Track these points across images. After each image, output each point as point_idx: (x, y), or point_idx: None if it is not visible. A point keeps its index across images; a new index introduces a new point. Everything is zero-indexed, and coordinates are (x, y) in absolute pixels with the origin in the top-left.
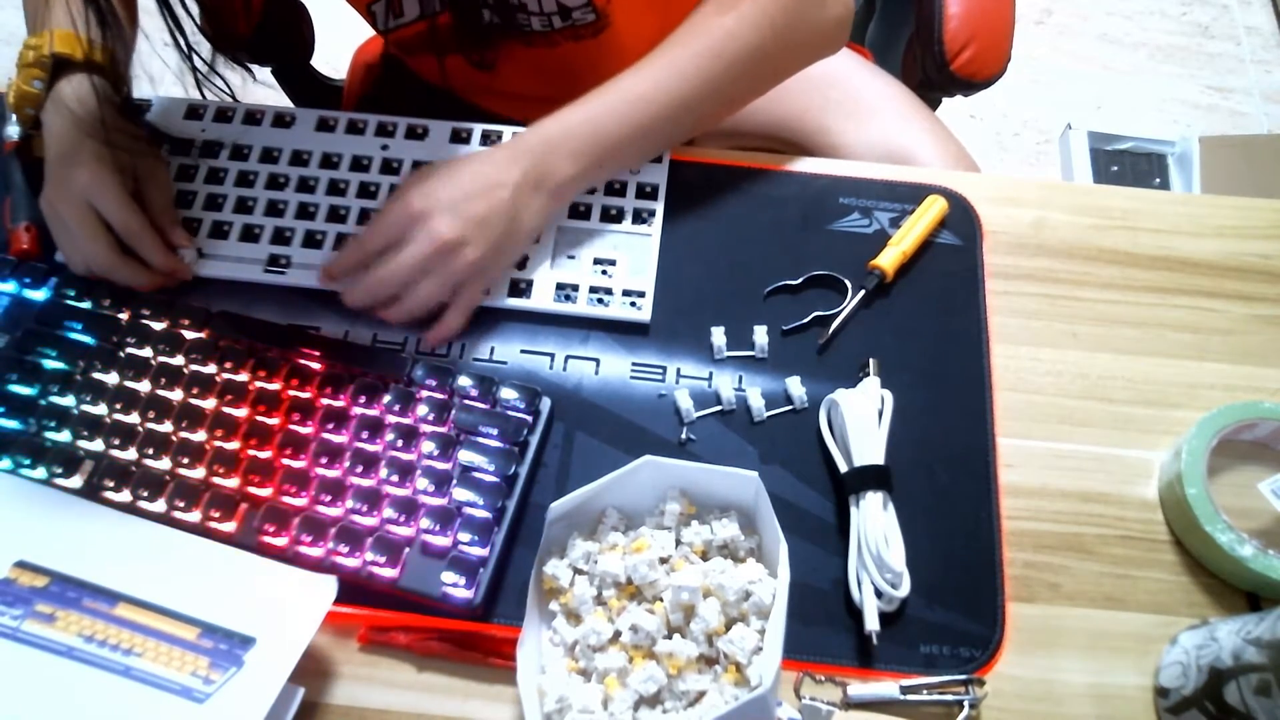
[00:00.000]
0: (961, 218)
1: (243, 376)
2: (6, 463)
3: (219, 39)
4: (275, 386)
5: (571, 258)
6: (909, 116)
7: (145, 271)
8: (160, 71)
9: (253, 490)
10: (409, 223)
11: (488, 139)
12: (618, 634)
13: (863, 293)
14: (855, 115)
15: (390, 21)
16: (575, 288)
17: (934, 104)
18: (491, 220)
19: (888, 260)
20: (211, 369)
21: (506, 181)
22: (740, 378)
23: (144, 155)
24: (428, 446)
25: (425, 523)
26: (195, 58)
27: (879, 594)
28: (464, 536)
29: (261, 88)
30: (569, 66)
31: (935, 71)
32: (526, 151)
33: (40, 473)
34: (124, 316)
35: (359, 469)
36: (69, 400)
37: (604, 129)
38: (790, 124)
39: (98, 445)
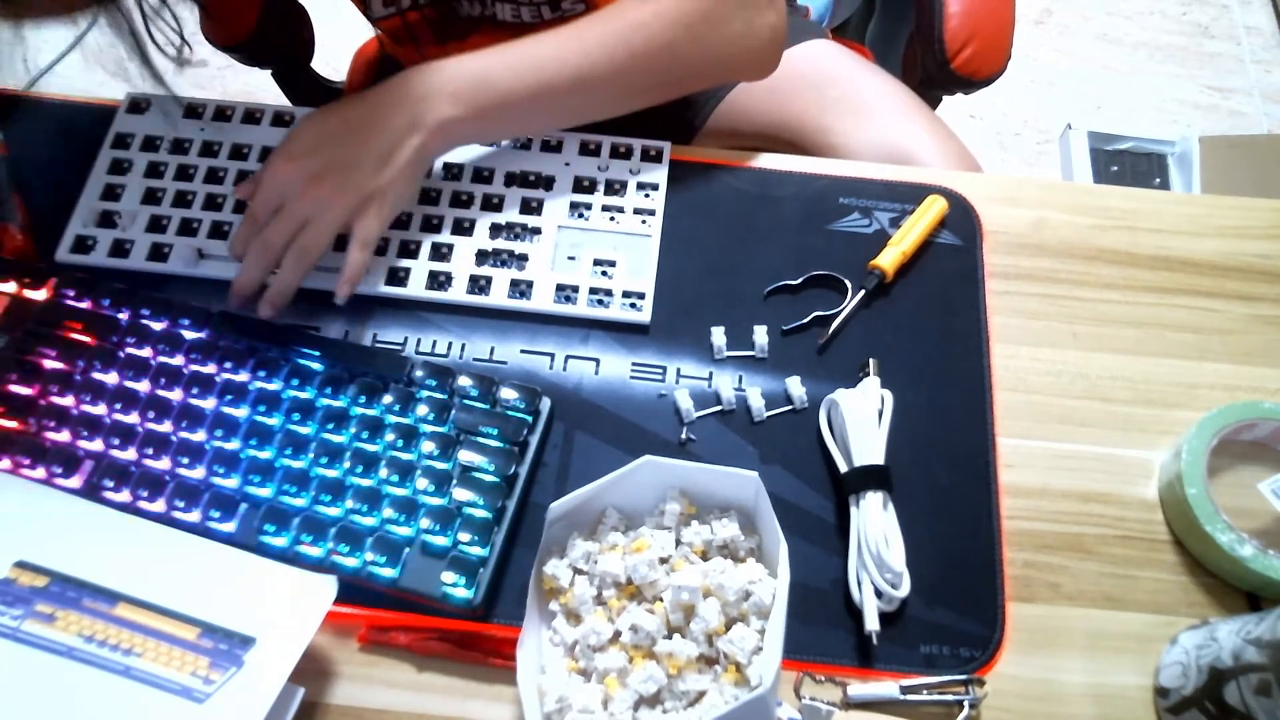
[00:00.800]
0: (961, 218)
1: (243, 376)
2: (6, 463)
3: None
4: (275, 386)
5: (571, 259)
6: (909, 115)
7: None
8: (161, 70)
9: (252, 490)
10: (283, 181)
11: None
12: (618, 634)
13: (863, 293)
14: (855, 114)
15: (383, 10)
16: (575, 289)
17: (934, 103)
18: (363, 161)
19: (888, 260)
20: (211, 369)
21: (377, 122)
22: (740, 378)
23: None
24: (428, 446)
25: (425, 523)
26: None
27: (879, 594)
28: (464, 536)
29: (261, 88)
30: None
31: (935, 70)
32: (401, 91)
33: (40, 473)
34: (124, 316)
35: (359, 469)
36: (69, 400)
37: (492, 80)
38: (790, 123)
39: (98, 445)
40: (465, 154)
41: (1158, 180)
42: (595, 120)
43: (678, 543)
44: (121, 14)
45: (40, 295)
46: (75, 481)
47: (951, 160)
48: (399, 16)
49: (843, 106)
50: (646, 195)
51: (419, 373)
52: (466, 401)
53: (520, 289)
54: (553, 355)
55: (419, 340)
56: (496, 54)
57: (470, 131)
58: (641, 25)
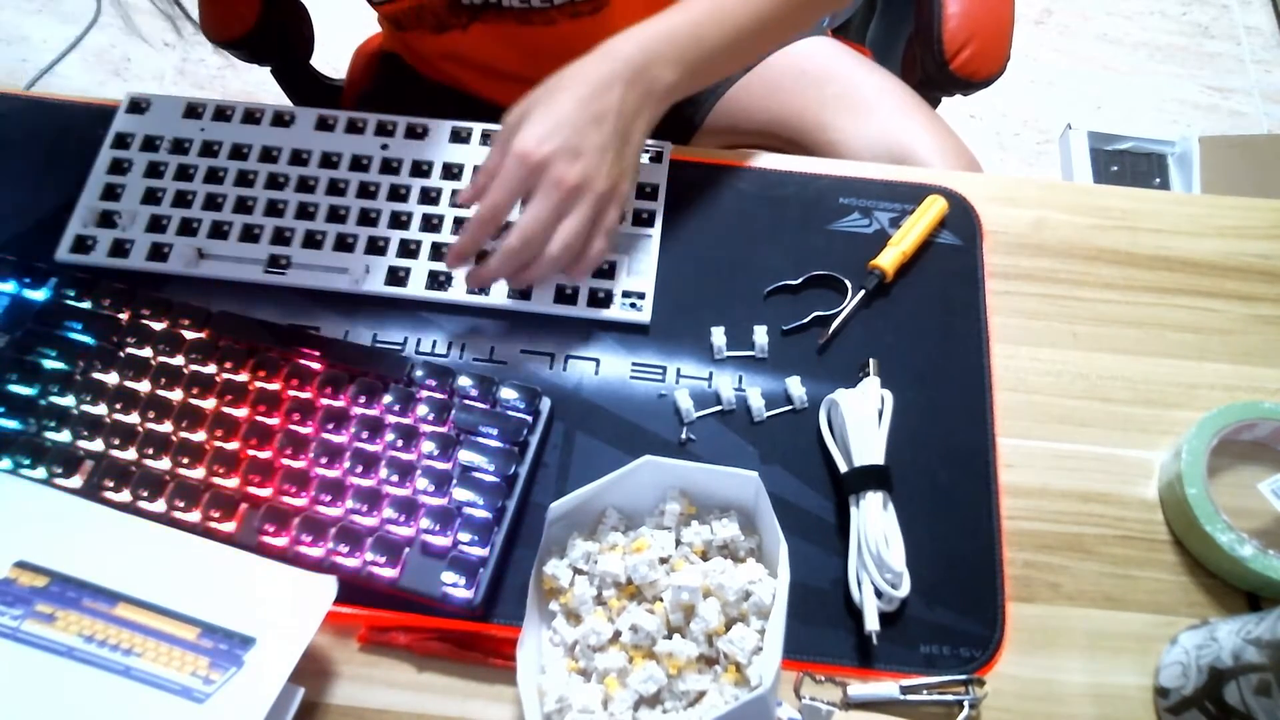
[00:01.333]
0: (961, 218)
1: (243, 376)
2: (6, 463)
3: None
4: (275, 386)
5: None
6: (908, 112)
7: None
8: (161, 70)
9: (253, 490)
10: (529, 174)
11: (488, 138)
12: (618, 634)
13: (863, 293)
14: (854, 111)
15: None
16: (575, 289)
17: (934, 103)
18: (607, 146)
19: (888, 260)
20: (211, 369)
21: (612, 103)
22: (740, 378)
23: None
24: (428, 446)
25: (425, 523)
26: None
27: (879, 594)
28: (464, 536)
29: (261, 87)
30: (566, 46)
31: (935, 70)
32: (627, 64)
33: (40, 473)
34: (124, 316)
35: (359, 469)
36: (69, 400)
37: (703, 37)
38: (790, 120)
39: (98, 445)
40: (466, 154)
41: (1158, 180)
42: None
43: (678, 543)
44: None
45: (40, 295)
46: (75, 481)
47: (950, 158)
48: (401, 3)
49: (842, 104)
50: (647, 195)
51: (419, 373)
52: (466, 401)
53: (520, 289)
54: (553, 355)
55: (419, 340)
56: (692, 9)
57: (686, 90)
58: None
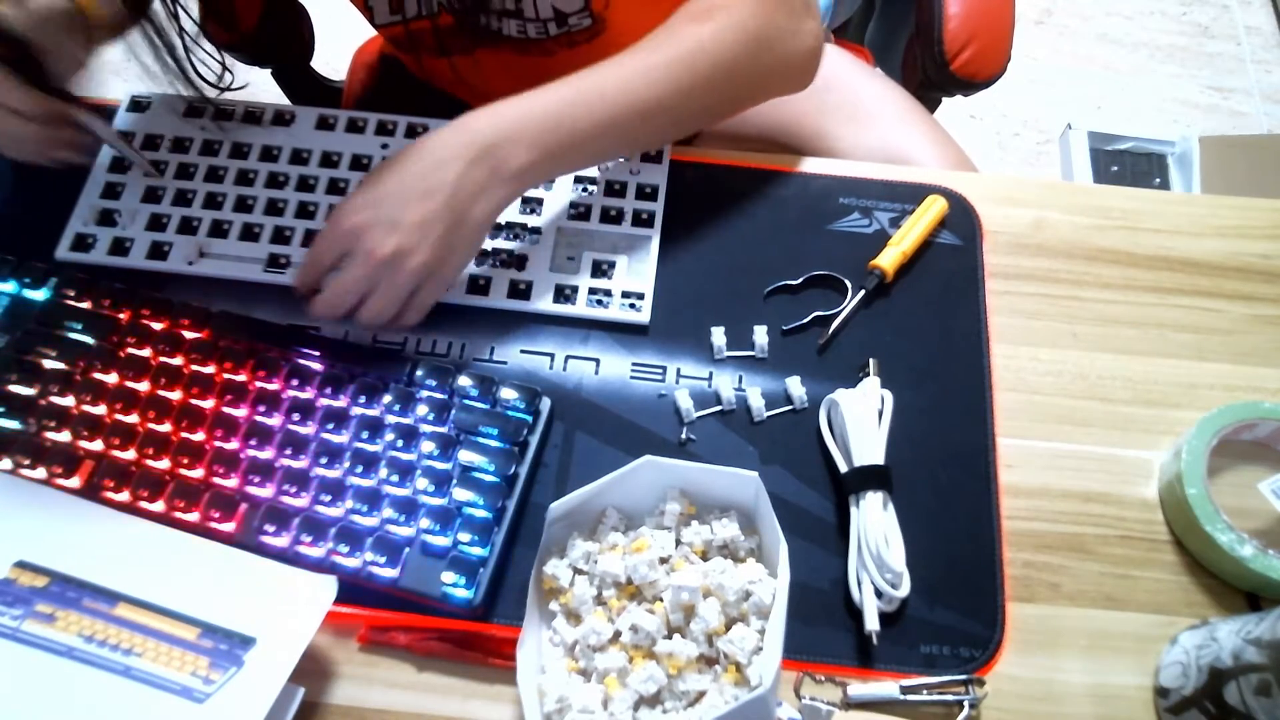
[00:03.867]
0: (961, 218)
1: (243, 376)
2: (6, 463)
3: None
4: (275, 386)
5: (571, 259)
6: (908, 120)
7: (42, 131)
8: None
9: (252, 490)
10: (346, 239)
11: None
12: (618, 634)
13: (863, 293)
14: (854, 119)
15: (388, 17)
16: (574, 289)
17: (934, 104)
18: (431, 222)
19: (888, 260)
20: (211, 369)
21: (447, 179)
22: (740, 378)
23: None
24: (428, 446)
25: (425, 523)
26: (184, 29)
27: (879, 594)
28: (464, 536)
29: (262, 87)
30: (562, 72)
31: (935, 71)
32: (473, 141)
33: (40, 473)
34: (124, 316)
35: (359, 469)
36: (69, 400)
37: (564, 120)
38: (789, 128)
39: (98, 445)
40: None
41: (1158, 180)
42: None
43: (678, 543)
44: (160, 36)
45: (40, 295)
46: (75, 481)
47: (949, 165)
48: (403, 25)
49: (842, 112)
50: (647, 196)
51: (419, 373)
52: (466, 401)
53: (520, 289)
54: (553, 355)
55: (419, 340)
56: (562, 90)
57: (543, 174)
58: (701, 49)
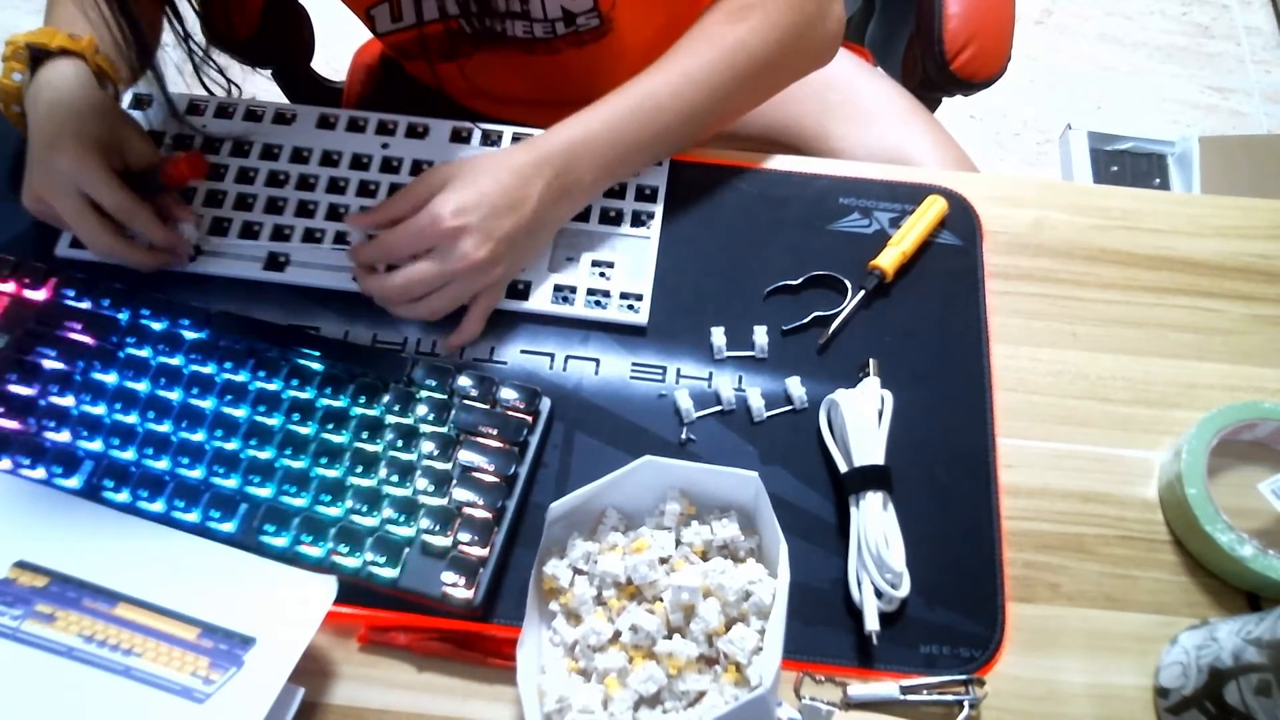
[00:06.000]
0: (961, 218)
1: (243, 376)
2: (6, 463)
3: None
4: (275, 386)
5: (570, 260)
6: (908, 120)
7: (147, 251)
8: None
9: (252, 490)
10: (439, 237)
11: (488, 139)
12: (618, 634)
13: (863, 293)
14: (854, 119)
15: (390, 25)
16: (573, 290)
17: (934, 104)
18: (519, 238)
19: (888, 260)
20: (211, 369)
21: (532, 195)
22: (740, 378)
23: (127, 131)
24: (428, 446)
25: (425, 523)
26: (193, 47)
27: (879, 594)
28: (464, 536)
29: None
30: (569, 72)
31: (935, 71)
32: (549, 160)
33: (40, 473)
34: (124, 316)
35: (359, 469)
36: (69, 400)
37: (624, 135)
38: (790, 127)
39: (98, 445)
40: (466, 153)
41: (1158, 180)
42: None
43: (678, 543)
44: (154, 73)
45: (40, 295)
46: (75, 481)
47: (950, 166)
48: (405, 33)
49: (843, 111)
50: (646, 197)
51: (419, 373)
52: (466, 401)
53: (518, 289)
54: (553, 355)
55: (419, 340)
56: (617, 106)
57: (606, 185)
58: (742, 49)
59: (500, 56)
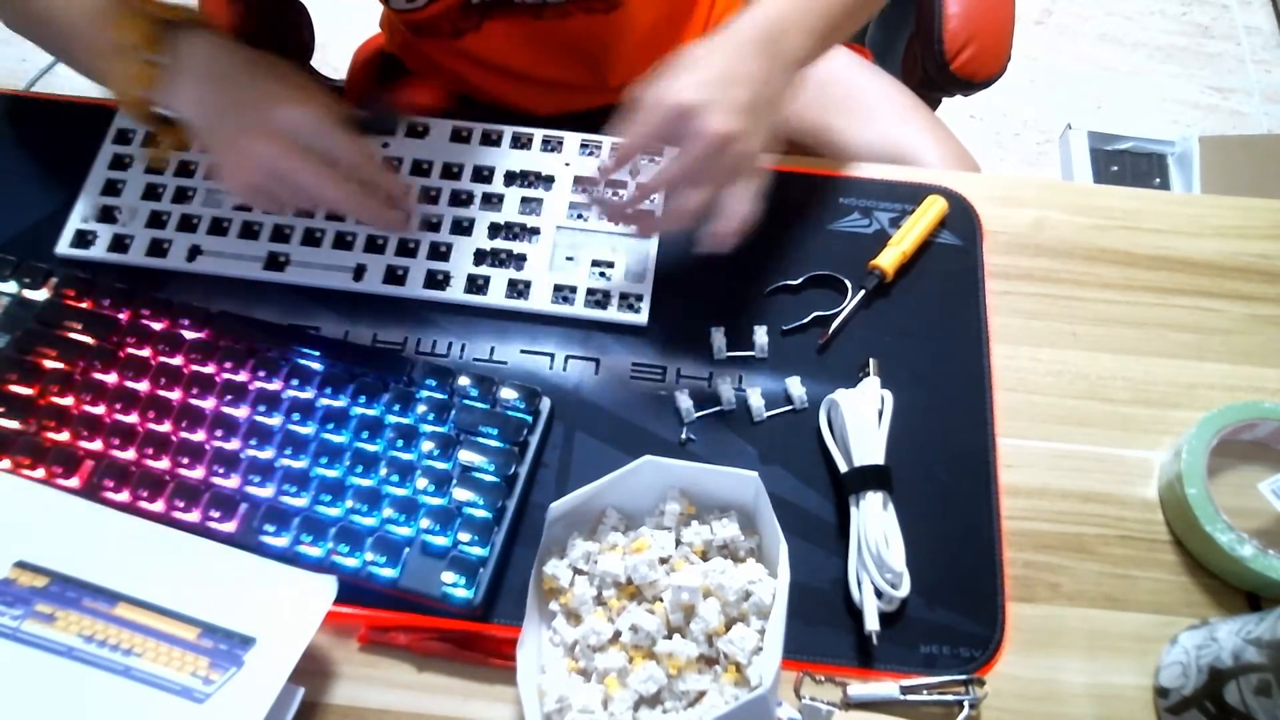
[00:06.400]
0: (961, 218)
1: (243, 376)
2: (6, 463)
3: None
4: (275, 386)
5: (570, 259)
6: (909, 116)
7: (388, 208)
8: None
9: (252, 490)
10: (678, 119)
11: (488, 139)
12: (618, 634)
13: (863, 293)
14: (855, 114)
15: (405, 3)
16: (573, 290)
17: (934, 104)
18: (758, 105)
19: (888, 260)
20: (211, 369)
21: (754, 69)
22: (740, 378)
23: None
24: (428, 446)
25: (425, 523)
26: None
27: (879, 594)
28: (464, 536)
29: None
30: (577, 41)
31: (935, 71)
32: (762, 35)
33: (40, 473)
34: (124, 316)
35: (359, 469)
36: (69, 400)
37: (827, 5)
38: (791, 123)
39: (98, 445)
40: (466, 153)
41: (1158, 180)
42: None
43: (678, 543)
44: None
45: (40, 295)
46: (75, 481)
47: (952, 162)
48: (419, 12)
49: (844, 106)
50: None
51: (419, 373)
52: (466, 401)
53: (518, 289)
54: (553, 355)
55: (419, 340)
56: None
57: (813, 58)
58: None
59: (508, 25)
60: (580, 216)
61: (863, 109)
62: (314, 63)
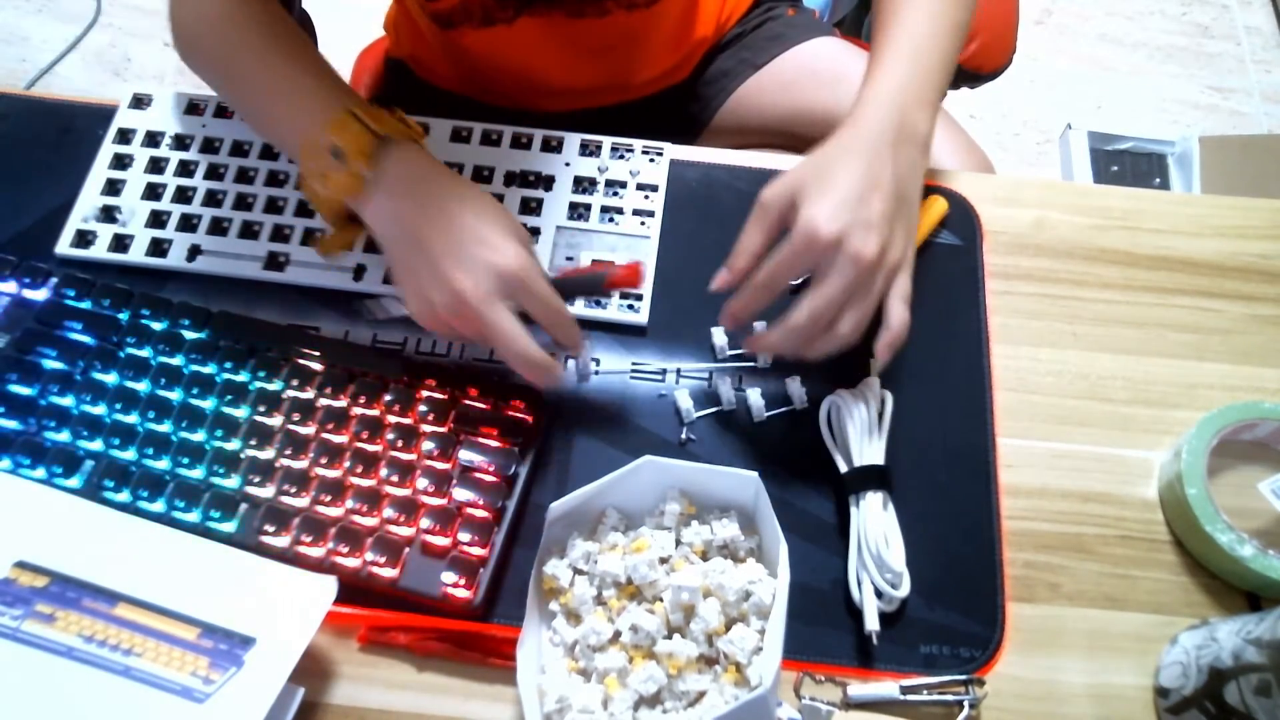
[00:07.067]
0: (961, 218)
1: (243, 377)
2: (6, 463)
3: None
4: (275, 387)
5: (570, 259)
6: None
7: (559, 369)
8: (161, 70)
9: (253, 490)
10: (824, 251)
11: (488, 138)
12: (618, 634)
13: None
14: None
15: None
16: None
17: None
18: (892, 213)
19: None
20: (212, 369)
21: (887, 166)
22: (740, 378)
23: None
24: (428, 446)
25: (425, 523)
26: None
27: (879, 594)
28: (464, 536)
29: None
30: (614, 40)
31: None
32: (888, 128)
33: (40, 473)
34: (124, 316)
35: (359, 469)
36: (69, 400)
37: (928, 65)
38: (800, 119)
39: (98, 445)
40: (466, 153)
41: (1158, 180)
42: None
43: (678, 543)
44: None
45: (40, 295)
46: (75, 481)
47: (962, 155)
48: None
49: (851, 99)
50: (646, 196)
51: (418, 372)
52: (466, 401)
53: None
54: (552, 355)
55: (419, 340)
56: (901, 43)
57: (934, 123)
58: None
59: (544, 21)
60: (580, 216)
61: None
62: None
